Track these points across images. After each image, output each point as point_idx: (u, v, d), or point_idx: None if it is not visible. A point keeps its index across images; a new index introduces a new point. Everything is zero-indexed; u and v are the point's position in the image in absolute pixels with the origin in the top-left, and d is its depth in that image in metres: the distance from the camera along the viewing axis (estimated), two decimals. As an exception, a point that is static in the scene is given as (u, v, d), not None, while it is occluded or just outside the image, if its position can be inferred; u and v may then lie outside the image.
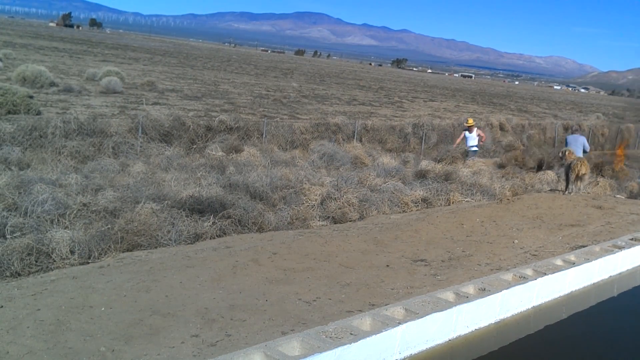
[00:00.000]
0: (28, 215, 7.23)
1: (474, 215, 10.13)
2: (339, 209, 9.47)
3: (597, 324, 7.05)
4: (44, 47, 47.25)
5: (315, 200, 9.52)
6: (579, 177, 12.65)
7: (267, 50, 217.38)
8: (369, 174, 11.82)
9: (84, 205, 7.80)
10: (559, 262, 7.46)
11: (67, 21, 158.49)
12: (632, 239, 9.10)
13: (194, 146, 13.14)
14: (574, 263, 7.49)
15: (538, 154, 18.19)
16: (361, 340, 4.62)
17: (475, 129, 16.12)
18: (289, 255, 7.03)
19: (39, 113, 14.97)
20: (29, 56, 34.39)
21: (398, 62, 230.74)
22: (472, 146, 16.14)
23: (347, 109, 27.35)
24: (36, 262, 6.10)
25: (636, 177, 16.03)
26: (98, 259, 6.46)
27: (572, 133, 15.63)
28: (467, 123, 16.38)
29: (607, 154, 20.68)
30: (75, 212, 7.51)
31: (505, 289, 6.23)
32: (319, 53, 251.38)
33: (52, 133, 11.21)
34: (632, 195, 13.85)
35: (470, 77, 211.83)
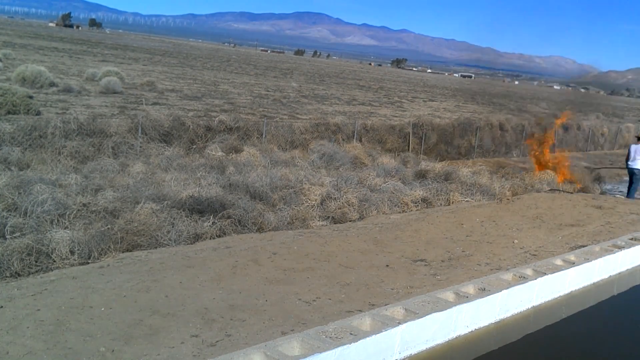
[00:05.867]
0: (28, 215, 7.23)
1: (474, 215, 10.13)
2: (339, 209, 9.47)
3: (597, 324, 7.05)
4: (43, 47, 47.23)
5: (315, 200, 9.53)
6: None
7: (266, 50, 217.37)
8: (369, 174, 11.82)
9: (84, 205, 7.80)
10: (558, 262, 7.46)
11: (66, 21, 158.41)
12: (632, 239, 9.11)
13: (194, 146, 13.14)
14: (574, 263, 7.50)
15: None
16: (361, 341, 4.63)
17: None
18: (288, 255, 7.03)
19: (38, 113, 14.96)
20: (29, 56, 34.37)
21: (398, 62, 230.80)
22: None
23: (346, 109, 27.34)
24: (36, 262, 6.10)
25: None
26: (98, 259, 6.46)
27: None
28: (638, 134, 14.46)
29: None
30: (75, 212, 7.51)
31: (505, 289, 6.24)
32: (318, 53, 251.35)
33: (52, 133, 11.21)
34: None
35: (470, 77, 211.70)
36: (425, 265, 7.14)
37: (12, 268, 5.89)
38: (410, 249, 7.79)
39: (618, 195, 14.66)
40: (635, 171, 13.71)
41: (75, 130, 11.56)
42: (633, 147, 13.95)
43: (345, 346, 4.48)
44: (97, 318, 4.86)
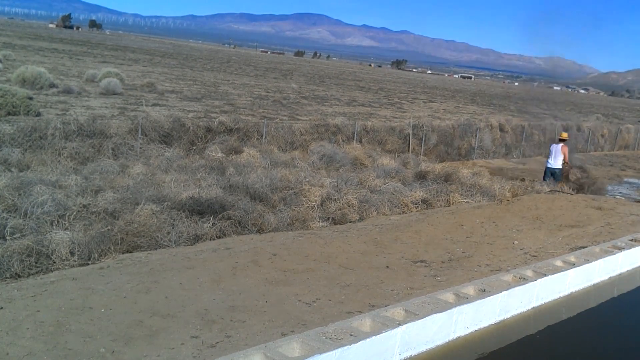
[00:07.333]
0: (28, 216, 7.22)
1: (474, 216, 10.13)
2: (339, 210, 9.47)
3: (597, 325, 7.05)
4: (43, 49, 47.24)
5: (315, 201, 9.52)
6: None
7: (266, 52, 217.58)
8: (369, 175, 11.82)
9: (84, 206, 7.80)
10: (558, 263, 7.47)
11: (66, 22, 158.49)
12: (632, 240, 9.11)
13: (194, 147, 13.14)
14: (574, 264, 7.50)
15: None
16: (361, 342, 4.63)
17: (562, 144, 14.37)
18: (288, 257, 7.03)
19: (38, 114, 14.96)
20: (29, 57, 34.38)
21: (398, 63, 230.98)
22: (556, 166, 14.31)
23: (346, 110, 27.35)
24: (36, 263, 6.10)
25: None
26: (98, 260, 6.46)
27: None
28: (560, 136, 14.99)
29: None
30: (75, 213, 7.51)
31: (505, 290, 6.24)
32: (318, 54, 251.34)
33: (52, 134, 11.20)
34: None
35: (470, 78, 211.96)
36: (425, 266, 7.13)
37: (12, 269, 5.89)
38: (410, 250, 7.79)
39: (618, 197, 14.66)
40: (557, 171, 14.26)
41: (75, 132, 11.55)
42: (553, 147, 14.46)
43: (345, 347, 4.48)
44: (97, 319, 4.86)
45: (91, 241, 6.62)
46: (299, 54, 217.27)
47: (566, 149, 14.35)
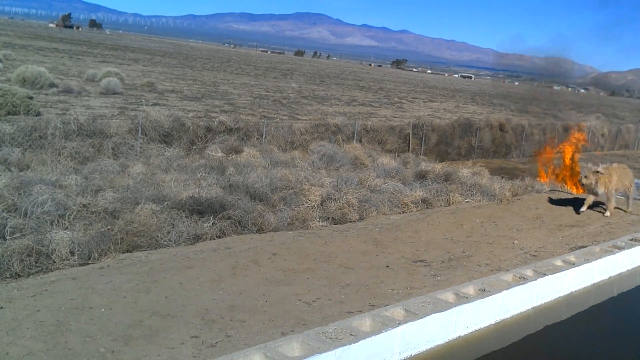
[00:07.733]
0: (28, 216, 7.22)
1: (474, 215, 10.13)
2: (339, 209, 9.47)
3: (597, 324, 7.05)
4: (43, 48, 47.23)
5: (315, 201, 9.52)
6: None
7: (266, 51, 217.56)
8: (369, 175, 11.82)
9: (84, 206, 7.80)
10: (558, 262, 7.47)
11: (66, 22, 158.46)
12: (631, 240, 9.12)
13: (194, 147, 13.14)
14: (574, 264, 7.50)
15: None
16: (361, 341, 4.63)
17: None
18: (288, 256, 7.03)
19: (38, 114, 14.97)
20: (29, 57, 34.37)
21: (398, 63, 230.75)
22: None
23: (346, 109, 27.35)
24: (36, 263, 6.10)
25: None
26: (98, 260, 6.46)
27: None
28: None
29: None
30: (75, 213, 7.51)
31: (505, 289, 6.24)
32: (318, 54, 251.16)
33: (52, 134, 11.20)
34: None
35: (470, 77, 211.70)
36: (425, 265, 7.13)
37: (12, 269, 5.89)
38: (410, 249, 7.79)
39: (618, 196, 14.64)
40: None
41: (75, 131, 11.55)
42: None
43: (345, 347, 4.48)
44: (97, 319, 4.86)
45: (91, 241, 6.62)
46: (299, 53, 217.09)
47: None
